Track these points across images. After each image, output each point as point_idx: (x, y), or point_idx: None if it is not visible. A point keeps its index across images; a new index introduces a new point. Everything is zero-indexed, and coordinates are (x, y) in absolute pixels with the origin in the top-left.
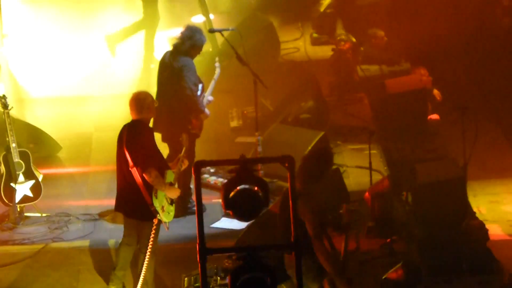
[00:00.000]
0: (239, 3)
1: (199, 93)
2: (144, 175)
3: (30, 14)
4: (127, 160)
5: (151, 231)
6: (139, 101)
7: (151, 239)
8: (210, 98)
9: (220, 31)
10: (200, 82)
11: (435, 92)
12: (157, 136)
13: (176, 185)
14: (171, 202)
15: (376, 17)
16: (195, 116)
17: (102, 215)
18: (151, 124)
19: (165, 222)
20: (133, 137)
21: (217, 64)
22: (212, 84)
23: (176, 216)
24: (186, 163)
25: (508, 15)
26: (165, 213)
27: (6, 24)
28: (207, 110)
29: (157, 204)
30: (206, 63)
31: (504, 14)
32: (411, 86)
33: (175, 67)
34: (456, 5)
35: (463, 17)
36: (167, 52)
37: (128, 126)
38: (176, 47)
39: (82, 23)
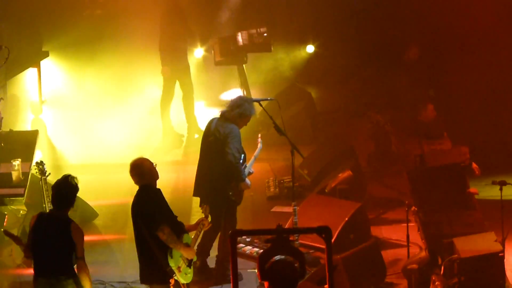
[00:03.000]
0: (278, 74)
1: (241, 161)
2: (157, 234)
3: (68, 81)
4: (138, 227)
5: None
6: (137, 168)
7: None
8: (251, 170)
9: (258, 101)
10: (243, 152)
11: (474, 166)
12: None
13: (195, 247)
14: (189, 264)
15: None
16: (236, 184)
17: (137, 283)
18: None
19: (183, 284)
20: (141, 203)
21: (259, 140)
22: (252, 159)
23: (215, 283)
24: (206, 226)
25: None
26: (182, 273)
27: (45, 91)
28: (248, 181)
29: (172, 264)
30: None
31: None
32: (450, 159)
33: (221, 133)
34: None
35: None
36: (214, 119)
37: (136, 195)
38: (224, 114)
39: (119, 91)
